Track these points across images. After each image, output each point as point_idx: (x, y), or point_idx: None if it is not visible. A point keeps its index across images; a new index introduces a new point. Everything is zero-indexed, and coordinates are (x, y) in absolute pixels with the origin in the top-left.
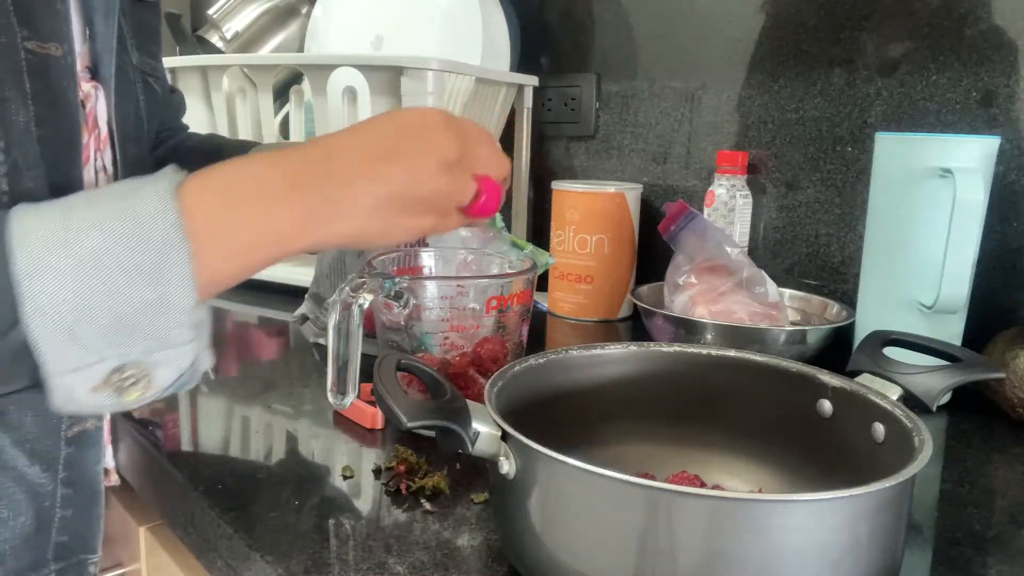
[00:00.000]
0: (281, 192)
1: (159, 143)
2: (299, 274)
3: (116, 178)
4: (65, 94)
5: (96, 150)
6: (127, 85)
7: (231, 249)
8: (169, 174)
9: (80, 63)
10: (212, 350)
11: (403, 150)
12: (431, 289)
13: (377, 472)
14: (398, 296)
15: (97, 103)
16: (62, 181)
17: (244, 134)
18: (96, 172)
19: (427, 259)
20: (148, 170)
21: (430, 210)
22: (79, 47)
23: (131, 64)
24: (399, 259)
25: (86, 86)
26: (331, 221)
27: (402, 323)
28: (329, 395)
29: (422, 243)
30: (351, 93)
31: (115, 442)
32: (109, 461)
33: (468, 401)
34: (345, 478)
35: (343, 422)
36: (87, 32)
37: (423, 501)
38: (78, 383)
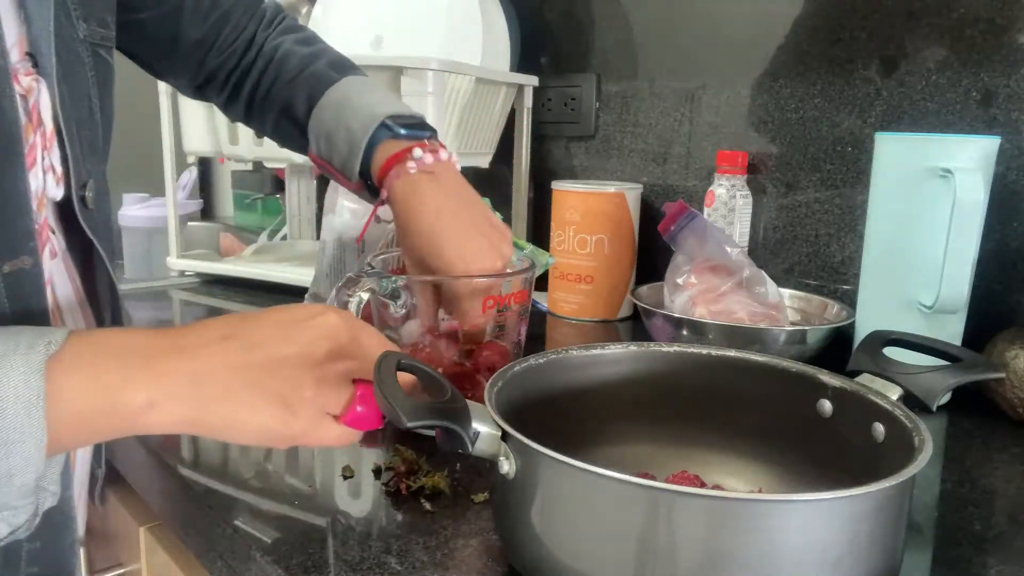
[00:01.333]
0: (138, 364)
1: (237, 65)
2: (299, 274)
3: (68, 177)
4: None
5: (43, 149)
6: (76, 64)
7: (84, 430)
8: (43, 346)
9: (19, 51)
10: (59, 487)
11: (273, 340)
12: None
13: (377, 472)
14: (395, 295)
15: (40, 97)
16: (4, 198)
17: (244, 134)
18: (43, 173)
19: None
20: (105, 161)
21: (286, 404)
22: (15, 34)
23: (78, 39)
24: (399, 258)
25: (26, 79)
26: (182, 398)
27: (400, 322)
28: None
29: None
30: None
31: (103, 448)
32: (83, 478)
33: (468, 401)
34: (345, 478)
35: None
36: (22, 15)
37: (423, 501)
38: None
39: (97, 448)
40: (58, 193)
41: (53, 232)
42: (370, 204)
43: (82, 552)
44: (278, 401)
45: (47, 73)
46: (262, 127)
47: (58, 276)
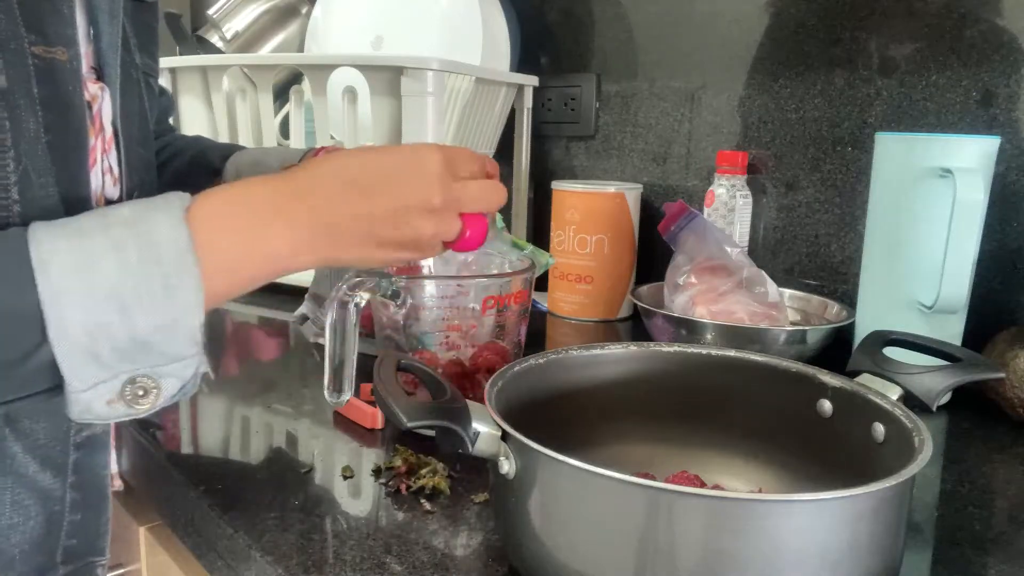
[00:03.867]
0: (271, 217)
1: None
2: (299, 274)
3: (121, 180)
4: (72, 98)
5: (102, 152)
6: (132, 85)
7: (232, 271)
8: (177, 199)
9: (85, 63)
10: (207, 356)
11: (390, 190)
12: (429, 289)
13: (377, 472)
14: (395, 295)
15: (103, 104)
16: (70, 185)
17: (244, 134)
18: (103, 174)
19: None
20: (152, 173)
21: (409, 247)
22: (84, 48)
23: (134, 64)
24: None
25: (92, 87)
26: (318, 248)
27: (400, 322)
28: (326, 393)
29: None
30: (351, 93)
31: (119, 448)
32: (113, 466)
33: (468, 401)
34: (345, 478)
35: (343, 422)
36: (91, 32)
37: (423, 501)
38: (96, 397)
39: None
40: (114, 193)
41: None
42: None
43: None
44: (404, 245)
45: (111, 82)
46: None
47: None
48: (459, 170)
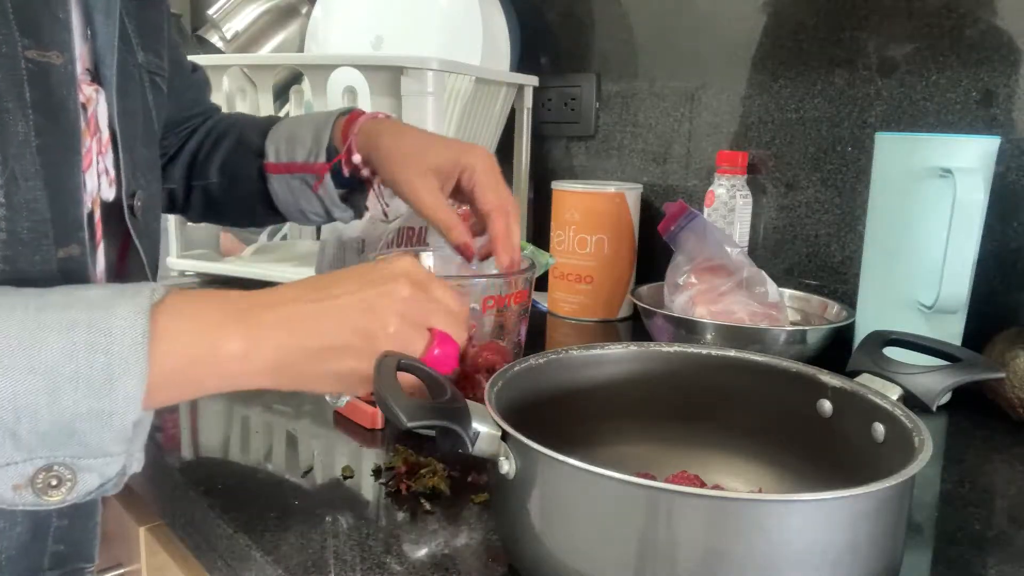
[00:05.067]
0: (231, 325)
1: (192, 130)
2: (299, 274)
3: (119, 181)
4: (65, 102)
5: (98, 153)
6: (133, 85)
7: (179, 374)
8: (148, 289)
9: (81, 65)
10: (143, 455)
11: (355, 286)
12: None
13: (377, 472)
14: None
15: (98, 106)
16: (61, 189)
17: None
18: (98, 176)
19: (427, 259)
20: (157, 172)
21: (371, 343)
22: (79, 48)
23: (136, 63)
24: None
25: (87, 89)
26: (274, 369)
27: None
28: (326, 393)
29: (422, 242)
30: (351, 93)
31: None
32: None
33: (468, 401)
34: (345, 478)
35: (343, 422)
36: (88, 32)
37: (423, 501)
38: (3, 478)
39: None
40: (110, 194)
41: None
42: (333, 194)
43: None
44: (363, 338)
45: (107, 84)
46: (204, 173)
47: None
48: (435, 288)
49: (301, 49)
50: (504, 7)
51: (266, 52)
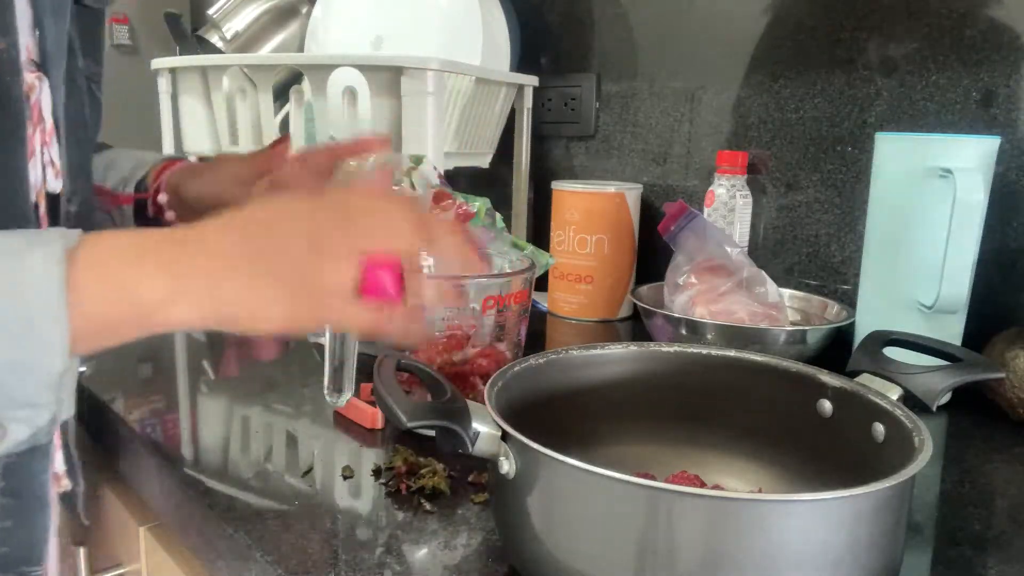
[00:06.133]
0: (148, 262)
1: None
2: None
3: (65, 174)
4: (9, 89)
5: (42, 144)
6: (75, 88)
7: (102, 317)
8: (60, 236)
9: (25, 54)
10: (74, 401)
11: (278, 233)
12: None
13: (377, 472)
14: None
15: (41, 94)
16: (6, 177)
17: (244, 134)
18: (43, 167)
19: (426, 259)
20: (90, 180)
21: (302, 293)
22: (25, 39)
23: (78, 68)
24: None
25: (29, 77)
26: (199, 299)
27: None
28: (326, 393)
29: None
30: (351, 93)
31: (66, 447)
32: (59, 466)
33: (468, 401)
34: (345, 478)
35: (343, 422)
36: (36, 32)
37: (423, 501)
38: None
39: (72, 465)
40: (57, 186)
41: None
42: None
43: (83, 552)
44: (291, 292)
45: (53, 77)
46: None
47: None
48: (352, 209)
49: (301, 49)
50: (504, 7)
51: (266, 52)
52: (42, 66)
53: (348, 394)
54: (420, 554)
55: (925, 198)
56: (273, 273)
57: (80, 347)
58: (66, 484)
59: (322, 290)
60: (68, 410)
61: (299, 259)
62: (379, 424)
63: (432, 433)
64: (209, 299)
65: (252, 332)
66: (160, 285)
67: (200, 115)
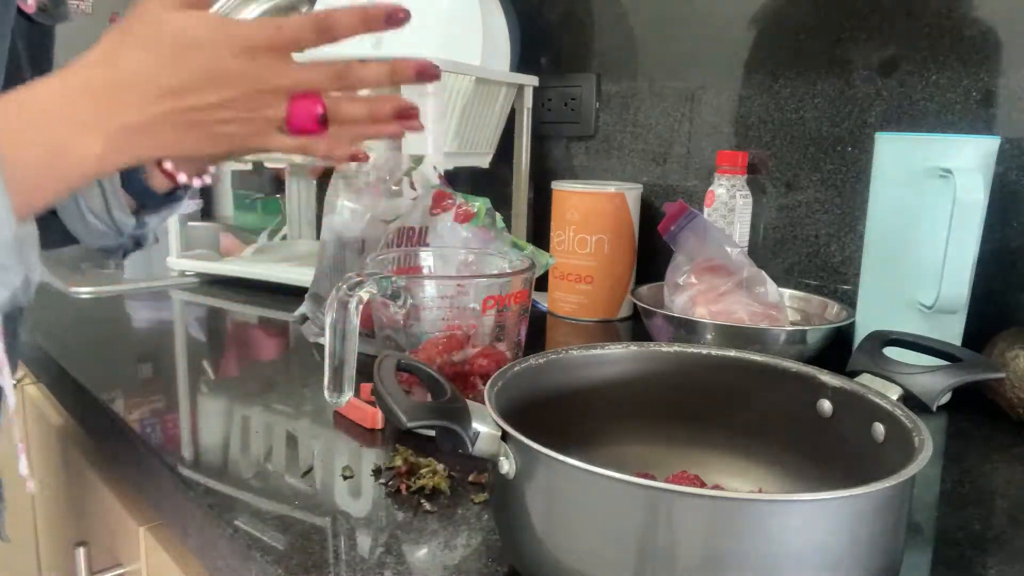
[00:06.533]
0: (71, 127)
1: None
2: (299, 274)
3: None
4: None
5: None
6: None
7: (39, 183)
8: None
9: None
10: (40, 264)
11: (195, 82)
12: (430, 289)
13: (377, 472)
14: (395, 295)
15: None
16: None
17: None
18: None
19: (426, 259)
20: None
21: (224, 137)
22: None
23: (22, 79)
24: (399, 259)
25: None
26: (129, 147)
27: (400, 322)
28: (326, 393)
29: (422, 242)
30: None
31: (28, 450)
32: (23, 469)
33: (468, 401)
34: (345, 478)
35: (343, 422)
36: None
37: (423, 501)
38: None
39: None
40: None
41: None
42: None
43: (83, 552)
44: (220, 133)
45: None
46: None
47: None
48: (288, 43)
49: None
50: (504, 7)
51: None
52: None
53: (348, 394)
54: (420, 554)
55: (925, 198)
56: (203, 123)
57: (25, 210)
58: (31, 488)
59: (252, 132)
60: (38, 273)
61: (228, 111)
62: (379, 424)
63: (432, 433)
64: (142, 151)
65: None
66: (95, 144)
67: None
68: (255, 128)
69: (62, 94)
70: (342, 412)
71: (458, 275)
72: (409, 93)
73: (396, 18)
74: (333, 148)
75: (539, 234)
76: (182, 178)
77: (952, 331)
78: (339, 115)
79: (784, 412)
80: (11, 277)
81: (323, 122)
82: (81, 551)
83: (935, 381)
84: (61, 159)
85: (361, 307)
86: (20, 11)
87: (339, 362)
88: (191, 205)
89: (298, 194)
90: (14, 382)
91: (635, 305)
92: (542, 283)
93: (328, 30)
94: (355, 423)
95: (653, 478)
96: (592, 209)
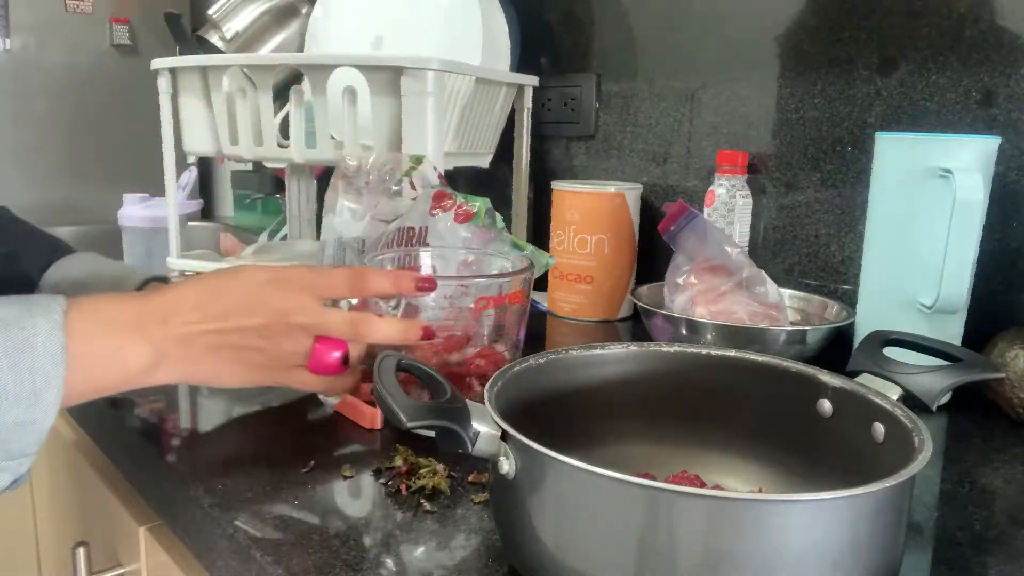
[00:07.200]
0: (132, 334)
1: None
2: None
3: None
4: None
5: None
6: None
7: (90, 382)
8: (56, 304)
9: None
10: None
11: (236, 309)
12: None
13: (377, 472)
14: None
15: None
16: None
17: (244, 134)
18: None
19: (426, 259)
20: None
21: (257, 364)
22: None
23: None
24: (398, 259)
25: None
26: (172, 366)
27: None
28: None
29: (422, 242)
30: (351, 93)
31: None
32: None
33: (468, 401)
34: (345, 478)
35: (343, 422)
36: None
37: (423, 501)
38: None
39: None
40: None
41: None
42: None
43: (83, 552)
44: (250, 361)
45: None
46: None
47: None
48: (324, 290)
49: (301, 49)
50: (504, 7)
51: (266, 52)
52: None
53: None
54: (420, 554)
55: (925, 198)
56: (236, 347)
57: (66, 404)
58: None
59: (278, 363)
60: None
61: (258, 338)
62: (379, 424)
63: (432, 433)
64: (183, 366)
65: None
66: (144, 353)
67: (200, 115)
68: (281, 360)
69: (121, 309)
70: (342, 412)
71: (454, 275)
72: (409, 92)
73: (423, 288)
74: (350, 384)
75: (539, 234)
76: None
77: (952, 331)
78: (357, 359)
79: (784, 412)
80: (23, 466)
81: (345, 363)
82: (81, 551)
83: (935, 381)
84: (114, 364)
85: (350, 306)
86: None
87: None
88: (191, 205)
89: (298, 194)
90: None
91: (635, 305)
92: (542, 283)
93: (362, 290)
94: (355, 423)
95: (653, 478)
96: (592, 209)
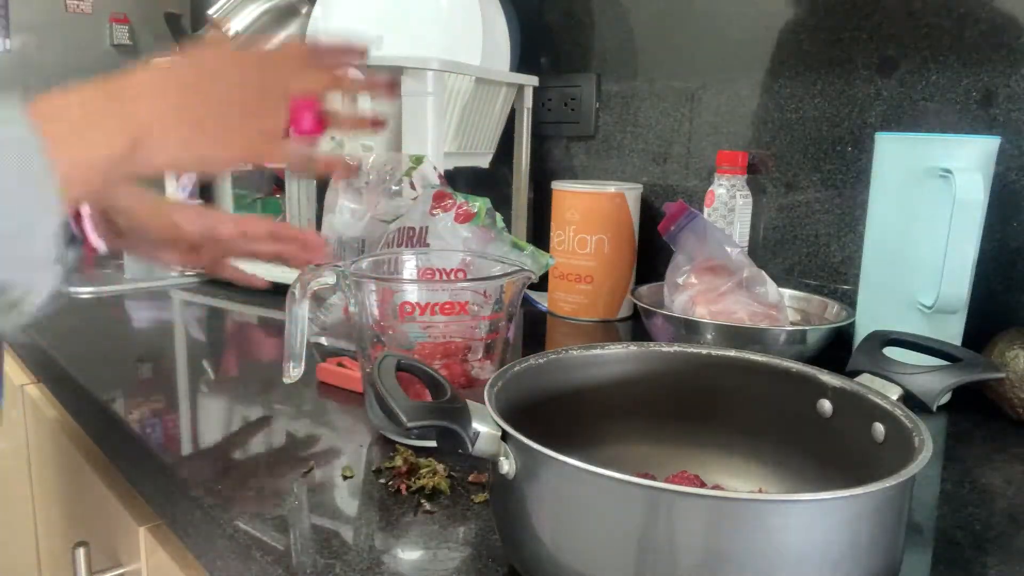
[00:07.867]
0: (108, 118)
1: None
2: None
3: None
4: None
5: None
6: None
7: (80, 170)
8: (16, 102)
9: None
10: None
11: (213, 82)
12: (410, 289)
13: (377, 472)
14: (326, 294)
15: None
16: None
17: None
18: None
19: (408, 260)
20: None
21: (241, 140)
22: None
23: None
24: (393, 260)
25: None
26: (164, 145)
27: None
28: (284, 375)
29: (423, 243)
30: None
31: None
32: None
33: (468, 401)
34: (345, 478)
35: (343, 422)
36: None
37: (423, 501)
38: None
39: None
40: None
41: None
42: None
43: (83, 552)
44: (232, 135)
45: None
46: None
47: None
48: (261, 61)
49: None
50: (504, 7)
51: None
52: None
53: (298, 371)
54: (420, 554)
55: (925, 198)
56: (214, 127)
57: (69, 202)
58: None
59: (258, 135)
60: (60, 276)
61: (236, 113)
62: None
63: (433, 444)
64: (160, 149)
65: (200, 173)
66: (120, 142)
67: None
68: (262, 132)
69: (98, 95)
70: (329, 382)
71: (460, 277)
72: (409, 92)
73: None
74: (333, 160)
75: (539, 234)
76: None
77: (952, 331)
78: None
79: (784, 412)
80: (55, 276)
81: (322, 120)
82: (81, 551)
83: (935, 381)
84: (97, 152)
85: (309, 292)
86: None
87: (290, 343)
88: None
89: (298, 194)
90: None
91: (635, 305)
92: (542, 283)
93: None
94: (355, 423)
95: (653, 478)
96: (592, 209)
